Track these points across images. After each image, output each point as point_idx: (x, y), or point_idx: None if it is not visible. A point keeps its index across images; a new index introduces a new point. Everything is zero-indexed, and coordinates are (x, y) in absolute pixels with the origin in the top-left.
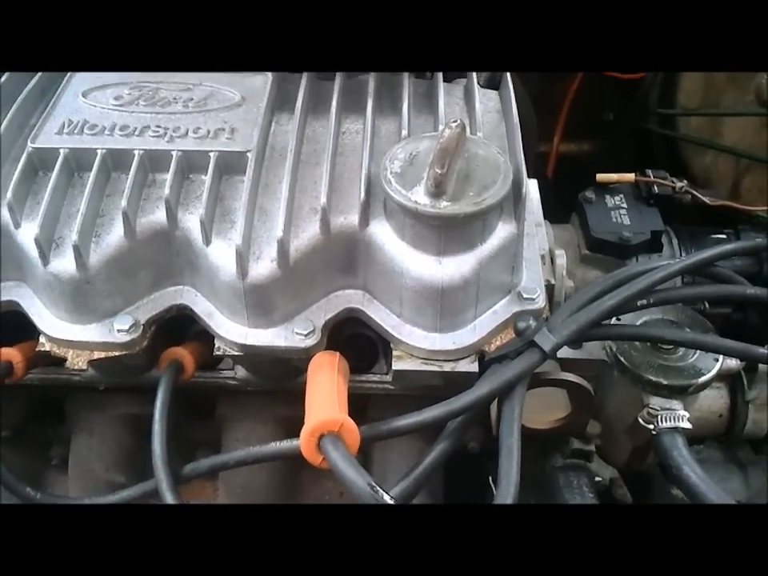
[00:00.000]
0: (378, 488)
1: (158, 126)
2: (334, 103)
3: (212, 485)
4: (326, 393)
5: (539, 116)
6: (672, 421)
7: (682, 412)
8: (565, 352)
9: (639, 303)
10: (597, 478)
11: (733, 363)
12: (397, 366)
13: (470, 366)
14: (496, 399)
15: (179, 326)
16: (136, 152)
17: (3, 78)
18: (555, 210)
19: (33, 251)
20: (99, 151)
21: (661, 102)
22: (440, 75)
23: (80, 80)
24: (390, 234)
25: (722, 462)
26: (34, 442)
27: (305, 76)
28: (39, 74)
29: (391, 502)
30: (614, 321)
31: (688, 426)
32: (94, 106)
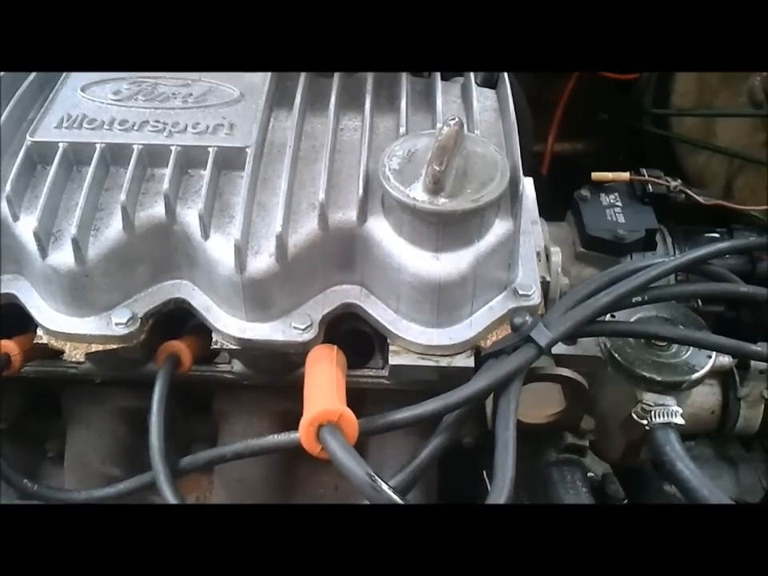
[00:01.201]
0: (377, 477)
1: (157, 121)
2: (332, 100)
3: (207, 479)
4: (325, 384)
5: (534, 116)
6: (665, 416)
7: (676, 408)
8: (559, 348)
9: (634, 300)
10: (589, 474)
11: (725, 360)
12: (394, 360)
13: (466, 361)
14: (491, 394)
15: (176, 319)
16: (135, 146)
17: (1, 73)
18: (549, 209)
19: (31, 244)
20: (98, 145)
21: (655, 102)
22: (437, 73)
23: (78, 75)
24: (387, 231)
25: (713, 459)
26: (30, 435)
27: (303, 73)
28: None
29: (389, 491)
30: (608, 317)
31: (681, 421)
32: (92, 101)
